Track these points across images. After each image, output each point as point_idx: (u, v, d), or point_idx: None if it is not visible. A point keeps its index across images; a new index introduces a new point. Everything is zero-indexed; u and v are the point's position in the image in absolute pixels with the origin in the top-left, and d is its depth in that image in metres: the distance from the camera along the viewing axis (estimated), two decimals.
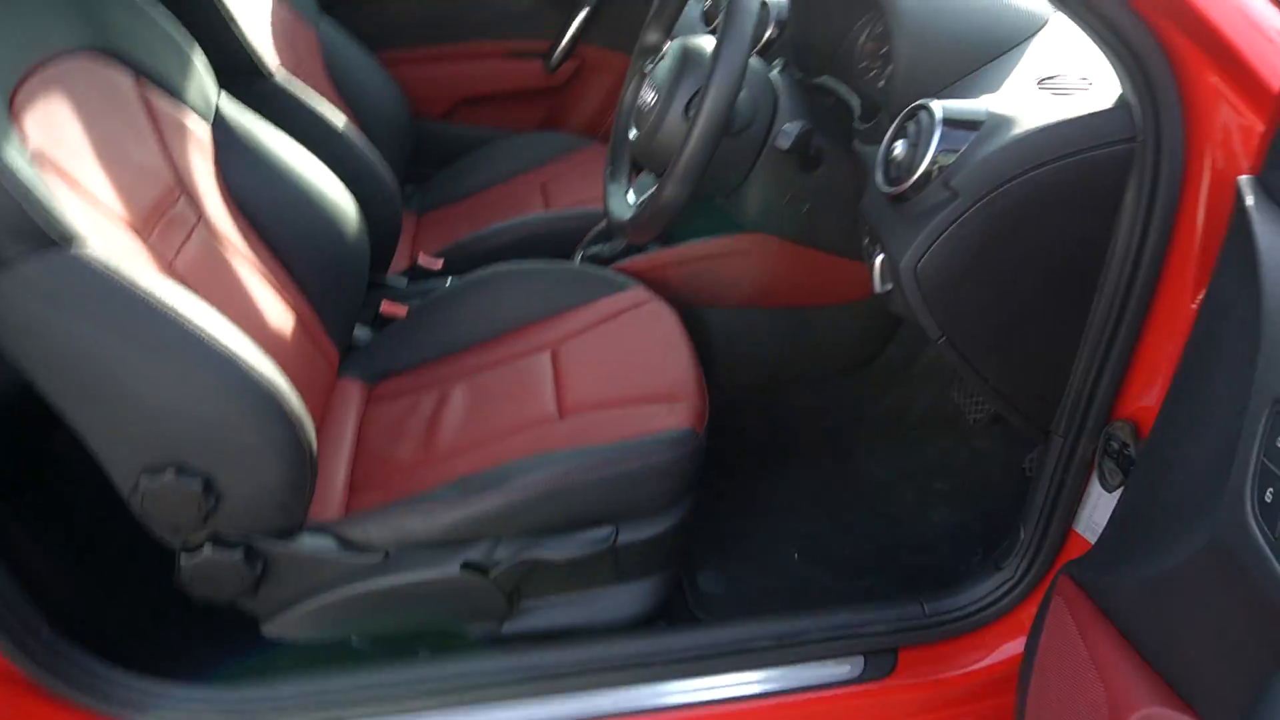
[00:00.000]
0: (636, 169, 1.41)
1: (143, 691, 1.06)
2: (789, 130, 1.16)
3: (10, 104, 0.97)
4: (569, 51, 2.44)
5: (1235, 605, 0.59)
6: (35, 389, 0.97)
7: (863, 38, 1.38)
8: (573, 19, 2.41)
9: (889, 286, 1.05)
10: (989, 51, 1.12)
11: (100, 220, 1.05)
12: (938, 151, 0.97)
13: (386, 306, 1.67)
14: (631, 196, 1.29)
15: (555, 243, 1.87)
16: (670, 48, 1.21)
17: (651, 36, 1.36)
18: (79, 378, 0.95)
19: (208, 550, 1.07)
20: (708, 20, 1.67)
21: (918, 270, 0.98)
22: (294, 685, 1.10)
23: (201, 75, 1.33)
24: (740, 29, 1.04)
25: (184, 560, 1.08)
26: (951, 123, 0.99)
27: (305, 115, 1.69)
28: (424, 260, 1.86)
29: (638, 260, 1.65)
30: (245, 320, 1.23)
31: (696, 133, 1.05)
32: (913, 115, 1.04)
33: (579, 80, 2.51)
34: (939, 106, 0.99)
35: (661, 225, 1.16)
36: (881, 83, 1.31)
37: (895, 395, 1.80)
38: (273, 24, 1.86)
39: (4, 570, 0.97)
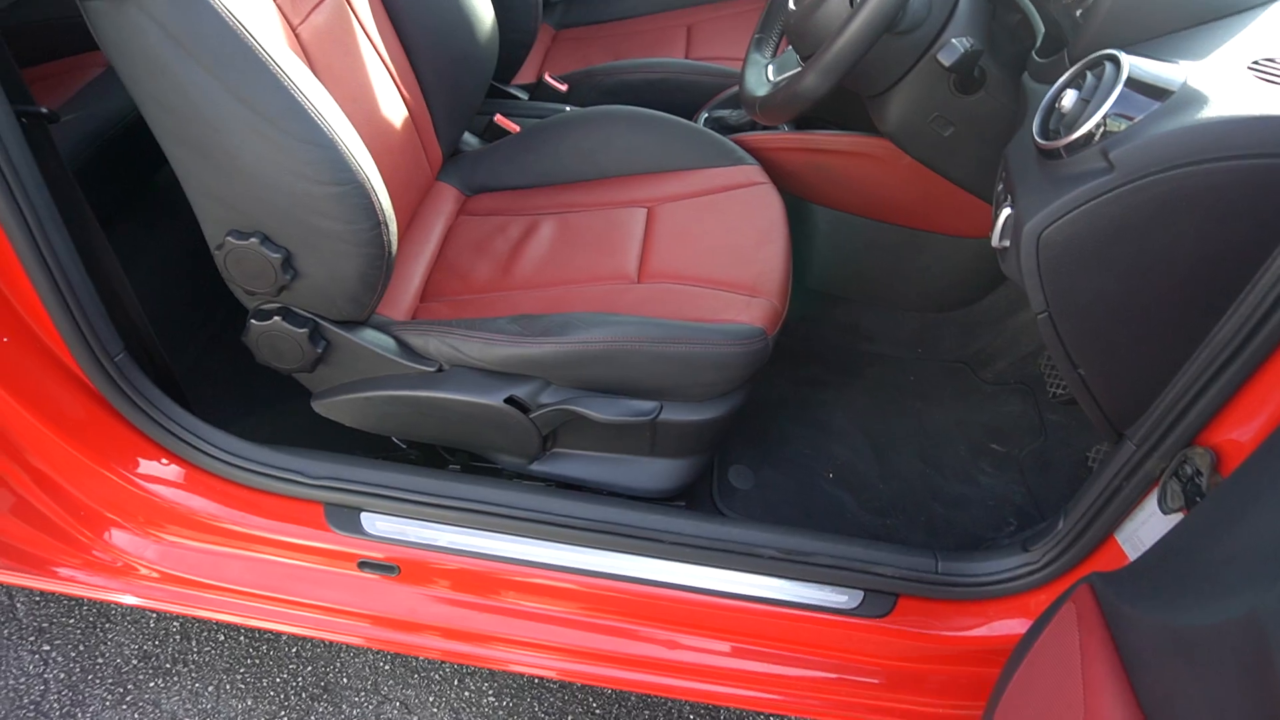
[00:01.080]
0: (783, 42, 1.31)
1: (192, 431, 1.13)
2: (956, 45, 1.05)
3: None
4: None
5: (1247, 691, 0.56)
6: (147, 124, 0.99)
7: None
8: None
9: (1006, 244, 0.98)
10: (1208, 11, 0.98)
11: None
12: (1109, 114, 0.87)
13: (501, 119, 1.64)
14: (771, 72, 1.20)
15: (685, 94, 1.79)
16: None
17: None
18: (186, 122, 0.96)
19: (277, 320, 1.11)
20: None
21: (1042, 237, 0.91)
22: (325, 464, 1.16)
23: None
24: None
25: (254, 323, 1.13)
26: (1136, 85, 0.88)
27: None
28: (550, 79, 1.80)
29: (761, 136, 1.57)
30: (356, 103, 1.22)
31: (856, 24, 0.96)
32: (1096, 65, 0.92)
33: None
34: (1128, 62, 0.88)
35: (793, 114, 1.09)
36: (1078, 10, 1.17)
37: (982, 344, 1.72)
38: None
39: (93, 290, 1.03)
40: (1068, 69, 0.97)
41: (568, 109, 1.71)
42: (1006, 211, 0.95)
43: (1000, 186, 1.01)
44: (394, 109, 1.32)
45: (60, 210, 0.98)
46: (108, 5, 0.89)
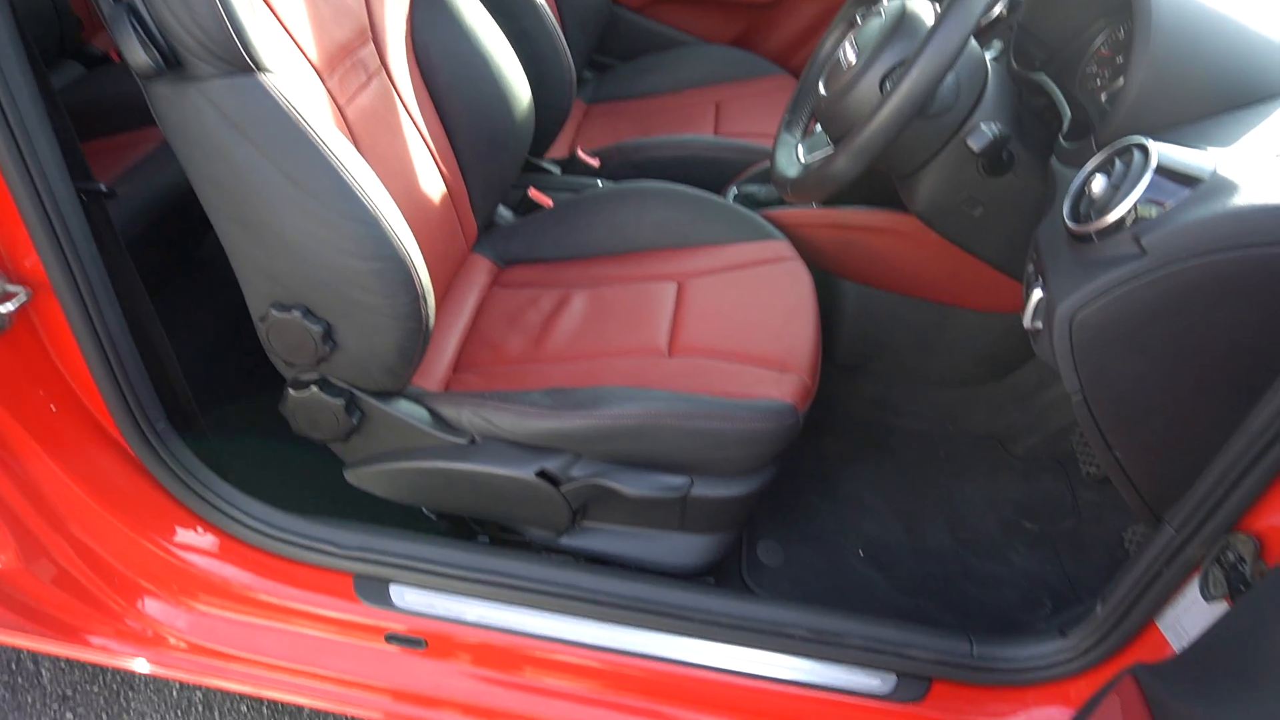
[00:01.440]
0: (813, 122, 1.34)
1: (228, 500, 1.15)
2: (985, 130, 1.07)
3: None
4: None
5: None
6: (196, 196, 1.03)
7: (1099, 40, 1.25)
8: None
9: (1038, 325, 0.98)
10: (1235, 98, 0.99)
11: (291, 52, 1.07)
12: (1140, 201, 0.88)
13: (535, 193, 1.68)
14: (802, 153, 1.23)
15: (714, 169, 1.82)
16: (889, 7, 1.12)
17: None
18: (236, 198, 0.99)
19: (314, 390, 1.13)
20: None
21: (1075, 320, 0.91)
22: (356, 534, 1.17)
23: None
24: (967, 9, 0.95)
25: (291, 393, 1.15)
26: (1166, 172, 0.89)
27: None
28: (582, 154, 1.85)
29: (789, 212, 1.59)
30: (397, 178, 1.26)
31: (887, 110, 0.98)
32: (1124, 152, 0.94)
33: (784, 4, 2.40)
34: (1157, 151, 0.90)
35: (824, 195, 1.11)
36: (1104, 96, 1.20)
37: (1012, 419, 1.71)
38: None
39: (140, 361, 1.05)
40: (1095, 154, 0.99)
41: (600, 183, 1.75)
42: (1038, 294, 0.96)
43: (1031, 268, 1.02)
44: (433, 184, 1.36)
45: (113, 283, 1.01)
46: (170, 89, 0.93)
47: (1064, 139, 1.08)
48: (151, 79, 0.91)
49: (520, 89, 1.49)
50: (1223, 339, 0.90)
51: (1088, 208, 0.92)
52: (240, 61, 0.91)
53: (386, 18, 1.29)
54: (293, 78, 1.04)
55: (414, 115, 1.35)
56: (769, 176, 1.80)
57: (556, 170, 1.86)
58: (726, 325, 1.35)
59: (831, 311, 1.67)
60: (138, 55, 0.87)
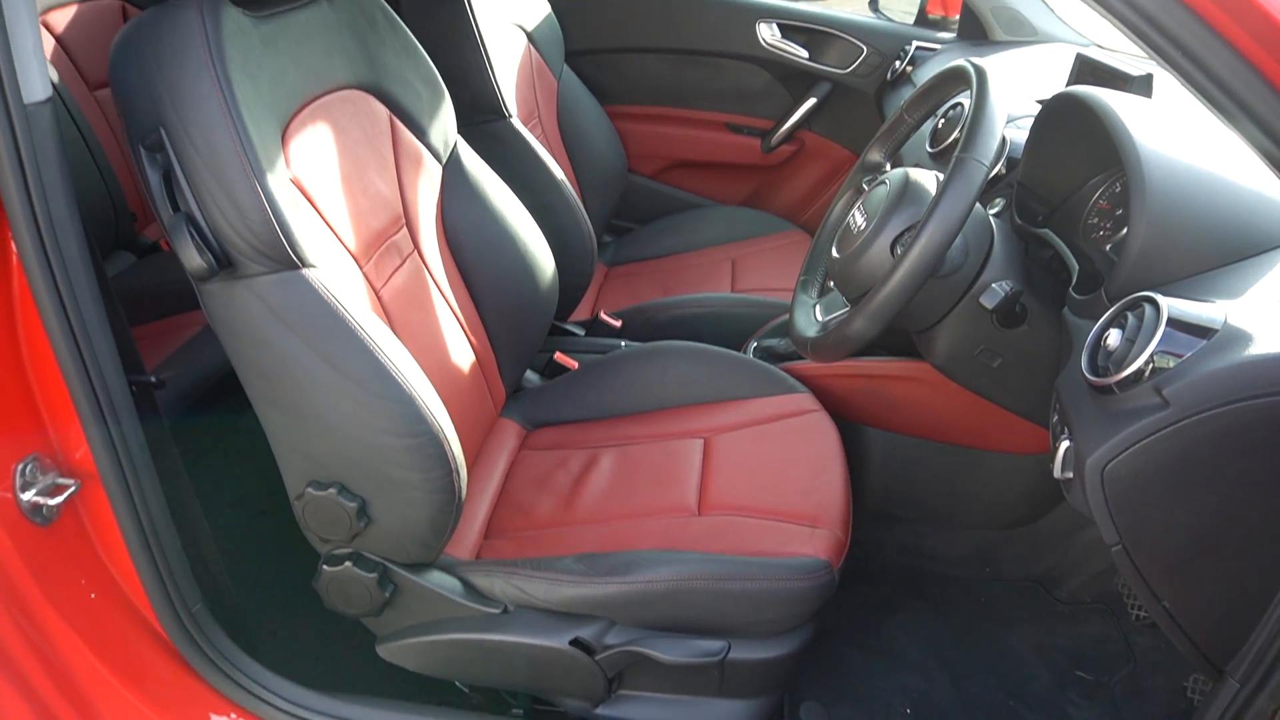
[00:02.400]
0: (828, 280, 1.40)
1: (261, 683, 1.13)
2: (996, 289, 1.11)
3: (284, 130, 1.08)
4: (789, 135, 2.46)
5: None
6: (235, 377, 1.07)
7: (1098, 194, 1.31)
8: (799, 105, 2.43)
9: (1069, 476, 0.98)
10: (1239, 250, 1.03)
11: (332, 244, 1.14)
12: (1156, 352, 0.90)
13: (560, 357, 1.73)
14: (819, 312, 1.28)
15: (734, 325, 1.88)
16: (891, 176, 1.19)
17: (874, 156, 1.35)
18: (279, 384, 1.04)
19: (348, 565, 1.14)
20: (935, 141, 1.63)
21: (1105, 472, 0.92)
22: (388, 713, 1.14)
23: (446, 121, 1.43)
24: (969, 179, 1.01)
25: (325, 569, 1.15)
26: (1179, 324, 0.91)
27: (531, 159, 1.79)
28: (604, 316, 1.91)
29: (810, 364, 1.63)
30: (430, 352, 1.31)
31: (900, 275, 1.02)
32: (1135, 305, 0.97)
33: (792, 163, 2.53)
34: (1167, 305, 0.92)
35: (844, 355, 1.14)
36: (1108, 246, 1.24)
37: (1051, 562, 1.67)
38: (520, 68, 1.99)
39: (179, 544, 1.07)
40: (1107, 307, 1.02)
41: (623, 344, 1.80)
42: (1065, 444, 0.97)
43: (1055, 418, 1.03)
44: (463, 355, 1.41)
45: (158, 468, 1.04)
46: (220, 287, 0.99)
47: (1075, 291, 1.11)
48: (204, 279, 0.97)
49: (544, 262, 1.56)
50: (1258, 484, 0.89)
51: (1105, 360, 0.94)
52: (287, 259, 0.98)
53: (419, 203, 1.38)
54: (334, 269, 1.10)
55: (444, 291, 1.41)
56: (787, 330, 1.85)
57: (580, 333, 1.92)
58: (755, 481, 1.36)
59: (858, 460, 1.67)
60: (194, 260, 0.93)
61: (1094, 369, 0.95)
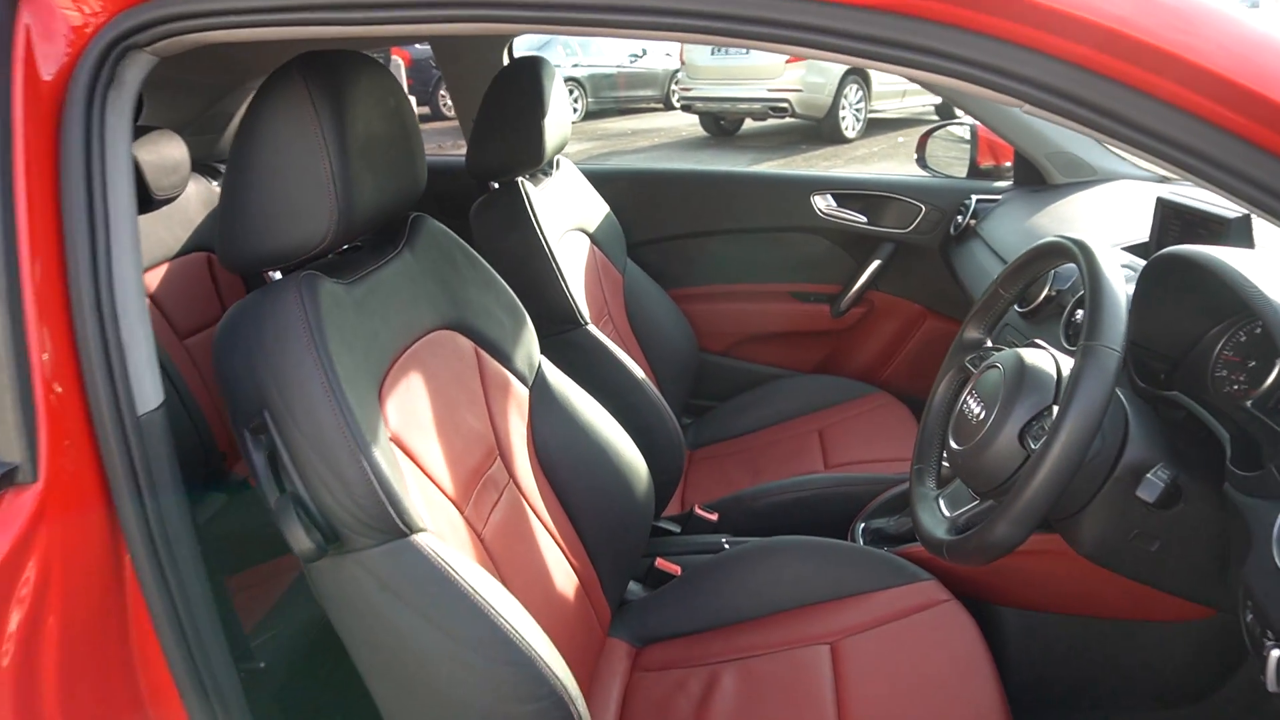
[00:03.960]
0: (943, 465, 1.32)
1: None
2: (1154, 481, 1.02)
3: (380, 389, 1.07)
4: (859, 298, 2.45)
5: None
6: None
7: (1220, 345, 1.23)
8: (865, 267, 2.42)
9: None
10: None
11: (435, 498, 1.11)
12: None
13: (661, 563, 1.65)
14: (945, 507, 1.19)
15: (835, 507, 1.79)
16: (1003, 359, 1.13)
17: (973, 333, 1.30)
18: (393, 658, 0.98)
19: None
20: (1024, 301, 1.58)
21: None
22: None
23: (529, 344, 1.43)
24: (1103, 368, 0.93)
25: None
26: None
27: (610, 362, 1.78)
28: (700, 511, 1.84)
29: None
30: (534, 586, 1.25)
31: (1043, 475, 0.94)
32: None
33: (864, 324, 2.50)
34: None
35: (987, 562, 1.05)
36: (1248, 402, 1.15)
37: None
38: (587, 270, 2.02)
39: None
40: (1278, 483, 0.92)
41: (724, 541, 1.72)
42: (1277, 653, 0.85)
43: (1251, 618, 0.92)
44: (566, 581, 1.35)
45: None
46: (328, 563, 0.95)
47: (1235, 465, 1.02)
48: (313, 559, 0.94)
49: (637, 469, 1.52)
50: None
51: None
52: (395, 529, 0.94)
53: (511, 433, 1.36)
54: (440, 526, 1.07)
55: (542, 516, 1.37)
56: (894, 508, 1.76)
57: (677, 529, 1.85)
58: (896, 688, 1.24)
59: (993, 646, 1.54)
60: (303, 542, 0.90)
61: None
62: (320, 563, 0.96)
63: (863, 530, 1.70)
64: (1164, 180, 2.08)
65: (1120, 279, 1.01)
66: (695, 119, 11.35)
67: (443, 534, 1.02)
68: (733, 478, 2.04)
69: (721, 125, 11.03)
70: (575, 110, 13.38)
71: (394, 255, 1.21)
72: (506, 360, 1.38)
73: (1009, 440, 1.06)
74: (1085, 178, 2.13)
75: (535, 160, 1.78)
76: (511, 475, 1.34)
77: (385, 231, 1.26)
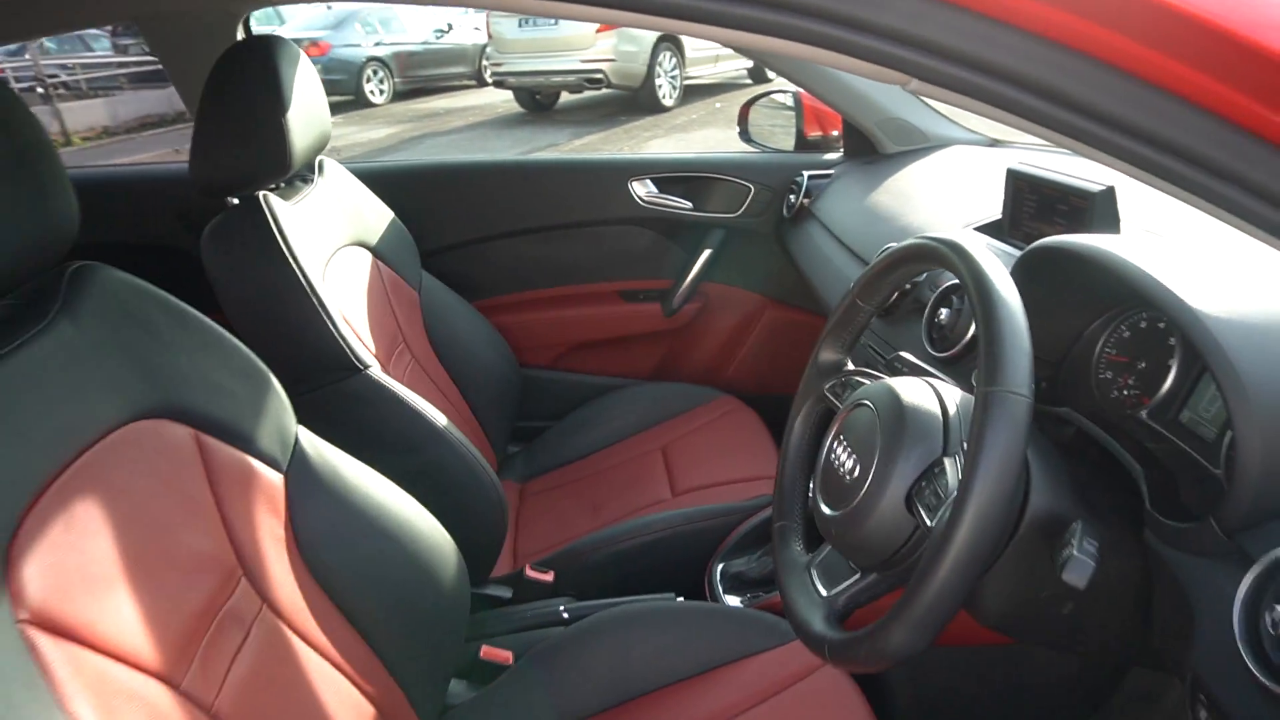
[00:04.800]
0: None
1: None
2: (1082, 560, 0.79)
3: (7, 551, 0.72)
4: (692, 292, 2.21)
5: None
6: None
7: (1101, 344, 1.06)
8: (696, 258, 2.19)
9: None
10: None
11: (117, 688, 0.77)
12: None
13: (487, 651, 1.36)
14: (819, 582, 0.95)
15: (686, 548, 1.56)
16: (874, 396, 0.89)
17: (830, 354, 1.06)
18: None
19: None
20: (936, 339, 1.26)
21: None
22: None
23: (278, 415, 1.09)
24: (1014, 420, 0.69)
25: None
26: None
27: (402, 414, 1.44)
28: (531, 572, 1.55)
29: None
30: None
31: (948, 567, 0.71)
32: None
33: (700, 321, 2.27)
34: None
35: (883, 669, 0.83)
36: (1143, 412, 0.98)
37: None
38: (370, 293, 1.67)
39: None
40: (1223, 543, 0.73)
41: (562, 610, 1.44)
42: None
43: (1205, 715, 0.73)
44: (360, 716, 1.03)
45: None
46: None
47: (1156, 509, 0.83)
48: None
49: (440, 546, 1.21)
50: None
51: (1274, 647, 0.65)
52: None
53: (259, 538, 1.02)
54: None
55: (316, 642, 1.05)
56: (752, 544, 1.54)
57: (507, 594, 1.56)
58: None
59: (883, 688, 1.36)
60: None
61: (1265, 667, 0.65)
62: None
63: (720, 573, 1.47)
64: (995, 144, 1.95)
65: (1014, 293, 0.79)
66: (510, 95, 10.90)
67: None
68: (569, 518, 1.76)
69: (537, 100, 10.64)
70: (382, 92, 12.63)
71: (37, 331, 0.84)
72: (246, 442, 1.03)
73: (894, 506, 0.83)
74: (917, 144, 1.97)
75: (280, 168, 1.41)
76: (265, 599, 1.01)
77: (25, 295, 0.89)
